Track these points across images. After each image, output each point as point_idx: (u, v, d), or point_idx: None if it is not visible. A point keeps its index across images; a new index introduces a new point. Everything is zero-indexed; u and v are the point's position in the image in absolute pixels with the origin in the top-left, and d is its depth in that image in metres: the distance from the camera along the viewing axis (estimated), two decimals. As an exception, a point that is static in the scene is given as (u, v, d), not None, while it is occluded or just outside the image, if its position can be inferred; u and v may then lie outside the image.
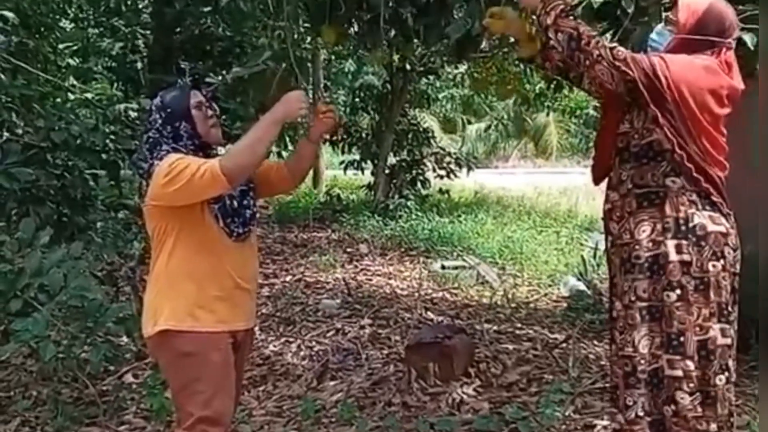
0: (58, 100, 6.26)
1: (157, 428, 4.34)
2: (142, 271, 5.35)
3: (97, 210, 5.81)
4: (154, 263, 2.94)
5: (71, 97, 6.51)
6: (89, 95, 6.26)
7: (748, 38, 2.95)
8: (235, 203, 2.92)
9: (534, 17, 2.90)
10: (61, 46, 10.57)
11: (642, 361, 2.78)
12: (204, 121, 2.93)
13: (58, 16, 10.11)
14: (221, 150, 3.16)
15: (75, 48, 11.20)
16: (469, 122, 26.88)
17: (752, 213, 4.60)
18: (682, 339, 2.73)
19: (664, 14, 2.90)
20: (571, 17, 2.79)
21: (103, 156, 5.58)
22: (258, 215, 3.08)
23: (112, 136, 5.57)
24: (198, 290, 2.85)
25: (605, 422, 3.98)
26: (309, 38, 11.43)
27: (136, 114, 6.06)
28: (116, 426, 4.41)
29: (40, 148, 5.26)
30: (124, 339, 4.96)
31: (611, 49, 2.69)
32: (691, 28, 2.77)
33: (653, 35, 2.89)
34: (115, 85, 10.87)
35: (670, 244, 2.75)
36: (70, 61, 11.12)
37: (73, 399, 4.72)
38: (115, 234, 5.74)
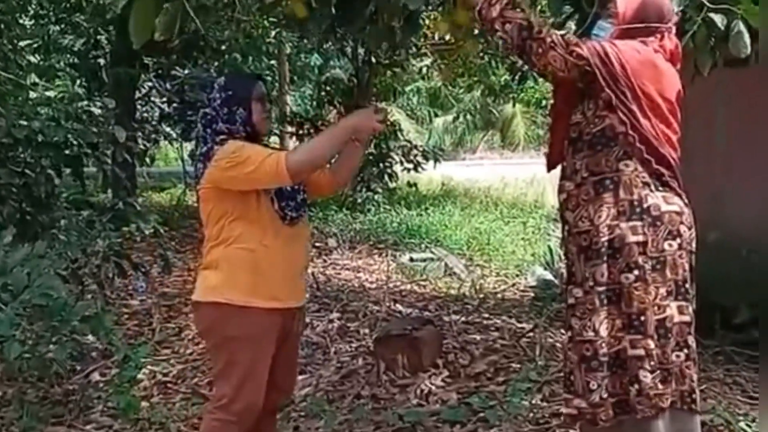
0: (20, 97, 6.19)
1: (124, 426, 4.32)
2: (107, 269, 5.30)
3: (61, 207, 5.75)
4: (210, 244, 3.10)
5: (33, 95, 6.43)
6: (52, 93, 6.19)
7: (718, 19, 2.94)
8: (289, 188, 3.08)
9: (475, 12, 2.89)
10: (21, 43, 10.42)
11: (603, 345, 2.81)
12: (260, 113, 3.11)
13: (17, 13, 9.96)
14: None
15: (36, 45, 11.05)
16: (436, 115, 26.86)
17: (716, 202, 4.70)
18: (642, 318, 2.77)
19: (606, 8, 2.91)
20: (518, 9, 2.81)
21: (66, 152, 5.52)
22: (308, 202, 3.24)
23: (74, 131, 5.51)
24: (253, 271, 3.01)
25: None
26: (273, 32, 11.39)
27: (99, 111, 5.99)
28: (83, 425, 4.39)
29: (2, 145, 5.20)
30: (90, 337, 4.92)
31: (563, 35, 2.74)
32: (630, 17, 2.82)
33: (596, 30, 2.91)
34: (78, 81, 10.75)
35: (626, 226, 2.78)
36: (31, 58, 10.96)
37: (39, 398, 4.68)
38: (80, 232, 5.66)
